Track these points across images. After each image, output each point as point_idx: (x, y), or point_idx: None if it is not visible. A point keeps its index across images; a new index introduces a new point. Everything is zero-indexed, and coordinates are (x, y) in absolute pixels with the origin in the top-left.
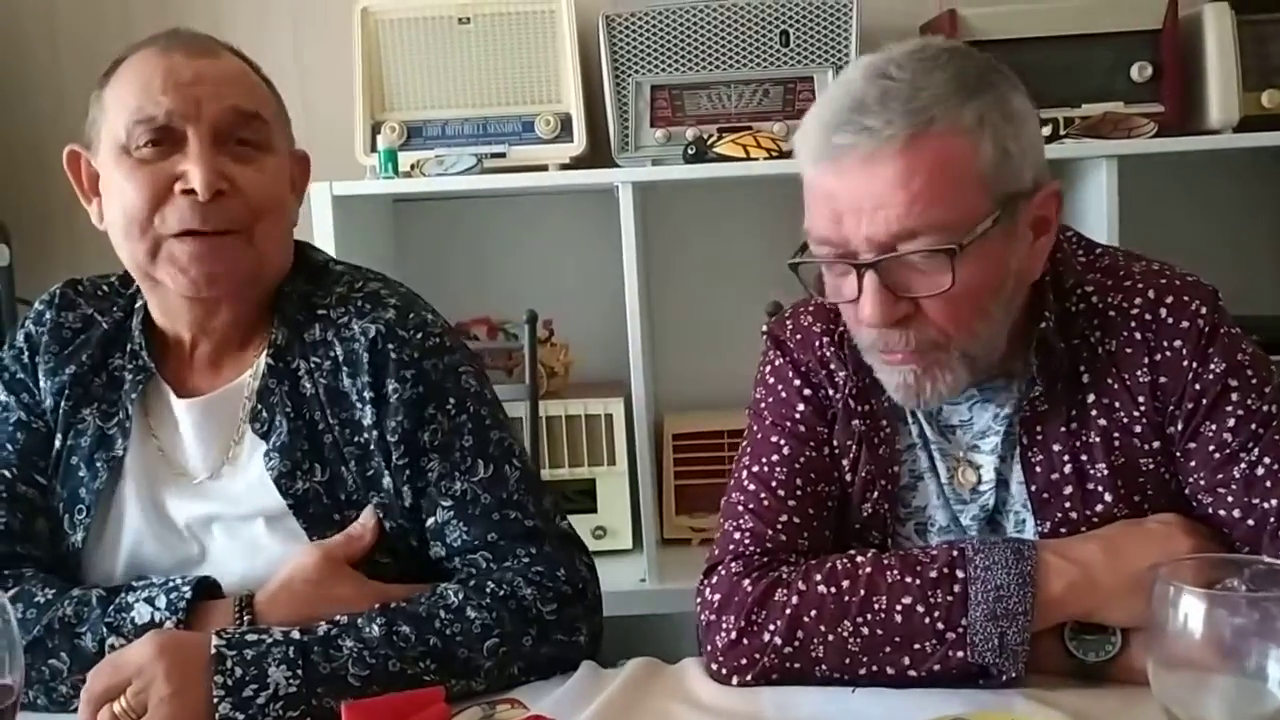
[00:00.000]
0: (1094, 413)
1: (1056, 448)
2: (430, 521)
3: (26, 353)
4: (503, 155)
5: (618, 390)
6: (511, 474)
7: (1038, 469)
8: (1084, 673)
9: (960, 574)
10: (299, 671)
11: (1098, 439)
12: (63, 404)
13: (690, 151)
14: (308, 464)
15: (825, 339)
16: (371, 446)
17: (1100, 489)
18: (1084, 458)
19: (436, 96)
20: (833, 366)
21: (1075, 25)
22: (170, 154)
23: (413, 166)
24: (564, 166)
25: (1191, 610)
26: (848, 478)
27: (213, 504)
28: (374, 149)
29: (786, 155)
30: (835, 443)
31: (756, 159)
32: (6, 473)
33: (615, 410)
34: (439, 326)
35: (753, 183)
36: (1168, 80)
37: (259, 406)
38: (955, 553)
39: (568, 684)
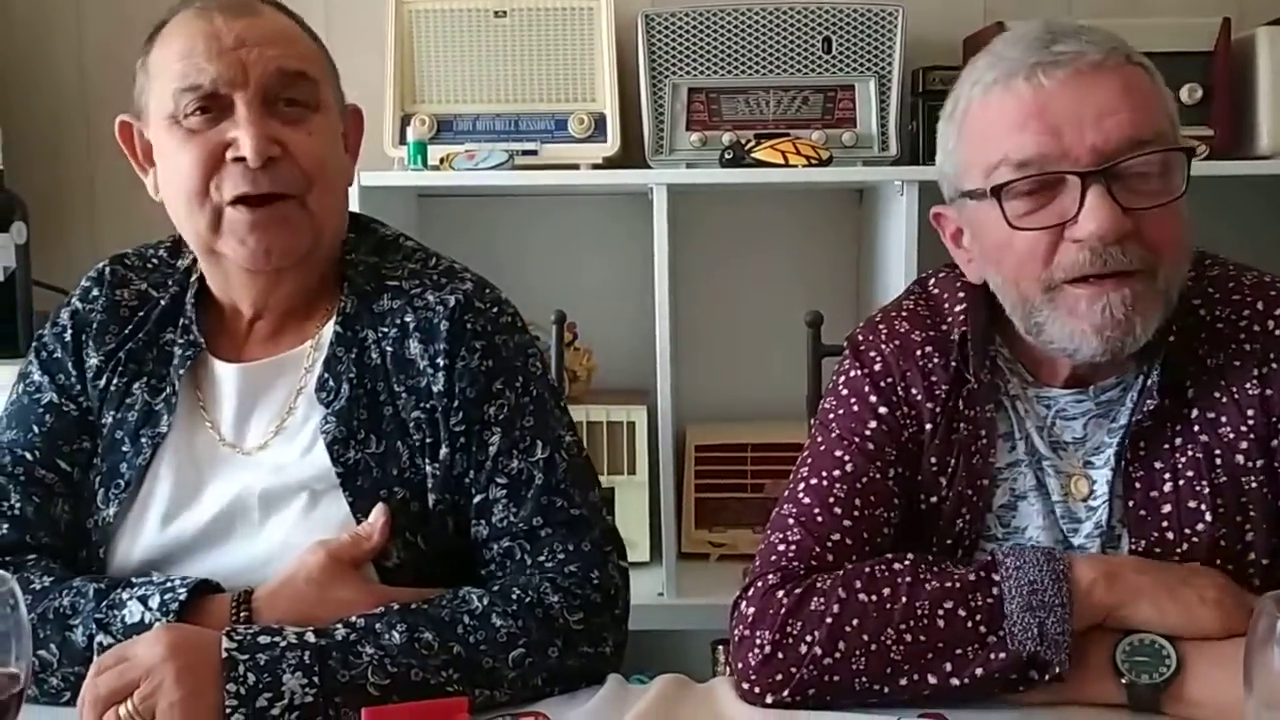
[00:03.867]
0: (1196, 428)
1: (1158, 465)
2: (479, 498)
3: (71, 331)
4: (534, 153)
5: (640, 398)
6: (562, 462)
7: (1137, 484)
8: (1136, 704)
9: (995, 576)
10: (315, 680)
11: (1200, 455)
12: (115, 380)
13: (727, 156)
14: (363, 433)
15: (929, 347)
16: (437, 413)
17: (1202, 507)
18: (1190, 473)
19: (469, 90)
20: (935, 378)
21: None
22: (219, 120)
23: (442, 160)
24: (595, 167)
25: None
26: (944, 492)
27: (258, 475)
28: (403, 141)
29: (826, 163)
30: (933, 459)
31: (796, 166)
32: (28, 455)
33: (638, 418)
34: (512, 307)
35: (789, 191)
36: (1218, 103)
37: (325, 375)
38: (988, 558)
39: (595, 699)
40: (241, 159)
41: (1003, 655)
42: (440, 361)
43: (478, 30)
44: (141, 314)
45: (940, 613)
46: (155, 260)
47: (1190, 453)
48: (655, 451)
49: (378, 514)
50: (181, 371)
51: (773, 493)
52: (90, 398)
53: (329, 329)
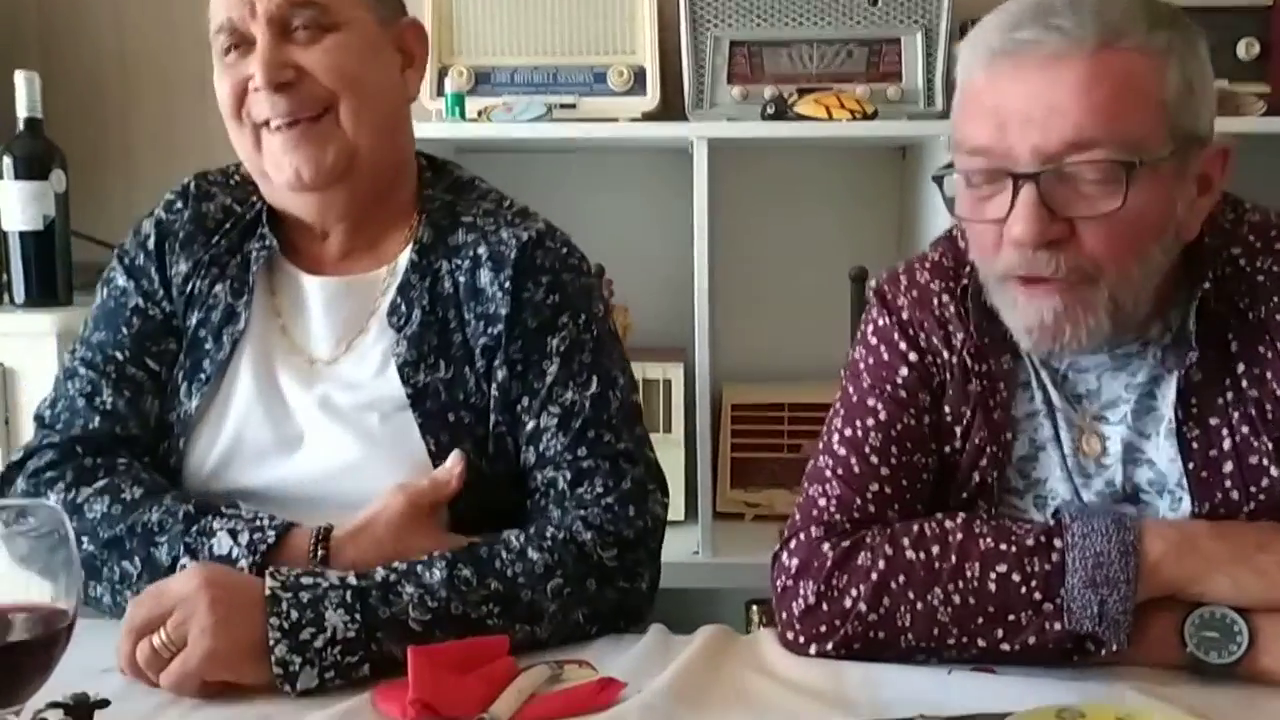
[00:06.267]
0: (1244, 384)
1: (1214, 422)
2: (531, 425)
3: (154, 239)
4: (572, 106)
5: (677, 356)
6: (614, 399)
7: (1194, 445)
8: (1204, 672)
9: (1058, 542)
10: (357, 616)
11: (1253, 411)
12: (199, 283)
13: (769, 110)
14: (433, 358)
15: (945, 296)
16: (501, 338)
17: (1265, 462)
18: (1245, 429)
19: (507, 42)
20: (951, 327)
21: None
22: (247, 54)
23: (480, 113)
24: (634, 120)
25: None
26: (958, 444)
27: (328, 388)
28: (440, 93)
29: (870, 117)
30: (948, 409)
31: (839, 120)
32: (118, 354)
33: (674, 376)
34: (580, 252)
35: (831, 146)
36: (1276, 59)
37: (398, 300)
38: (1053, 521)
39: (638, 647)
40: (260, 88)
41: (1056, 626)
42: (507, 286)
43: None
44: (228, 225)
45: (992, 576)
46: (238, 178)
47: (1243, 408)
48: (691, 410)
49: (455, 460)
50: (255, 268)
51: (809, 453)
52: (174, 302)
53: (405, 256)
